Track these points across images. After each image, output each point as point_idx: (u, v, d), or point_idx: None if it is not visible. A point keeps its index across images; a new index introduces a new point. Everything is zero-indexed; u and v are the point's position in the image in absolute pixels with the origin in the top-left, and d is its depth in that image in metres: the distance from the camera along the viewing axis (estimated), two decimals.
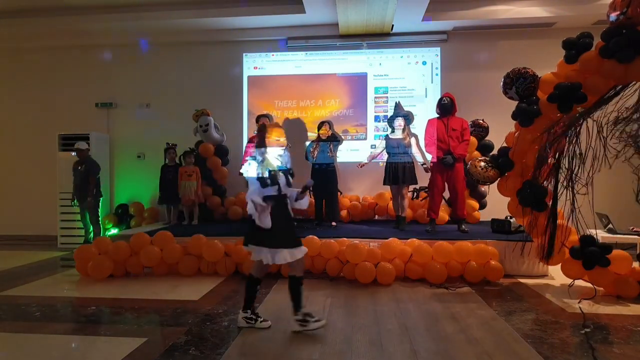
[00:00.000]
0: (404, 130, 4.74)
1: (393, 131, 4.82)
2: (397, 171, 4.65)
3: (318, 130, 5.04)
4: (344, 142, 5.57)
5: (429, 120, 4.70)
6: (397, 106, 4.94)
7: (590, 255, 3.26)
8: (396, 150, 4.69)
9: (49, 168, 6.17)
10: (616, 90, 3.08)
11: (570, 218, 3.29)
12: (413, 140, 4.76)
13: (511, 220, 4.27)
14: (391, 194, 4.97)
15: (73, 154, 5.84)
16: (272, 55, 6.33)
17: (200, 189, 5.42)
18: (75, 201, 5.44)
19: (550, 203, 3.45)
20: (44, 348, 2.39)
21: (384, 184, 4.85)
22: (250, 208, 2.49)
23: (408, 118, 4.83)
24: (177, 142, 5.72)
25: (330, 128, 5.05)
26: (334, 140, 5.05)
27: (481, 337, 2.47)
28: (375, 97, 6.18)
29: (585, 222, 3.27)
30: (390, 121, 4.88)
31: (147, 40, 6.13)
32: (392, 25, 5.79)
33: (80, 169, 5.38)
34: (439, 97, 5.26)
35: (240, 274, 4.00)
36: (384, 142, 4.86)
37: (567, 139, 3.32)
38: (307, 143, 5.13)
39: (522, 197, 3.51)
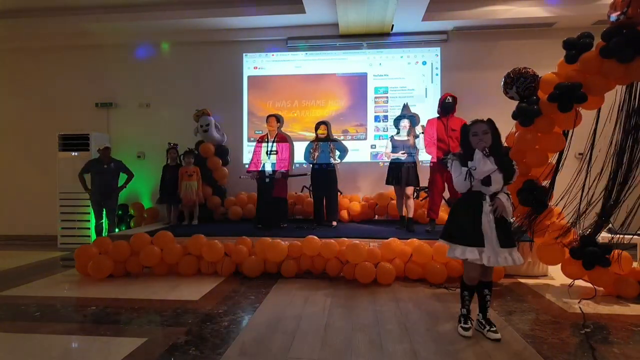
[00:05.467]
0: (409, 132, 4.74)
1: (398, 132, 4.81)
2: (401, 172, 4.64)
3: (316, 131, 5.04)
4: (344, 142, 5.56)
5: (429, 121, 4.70)
6: (405, 107, 4.91)
7: (590, 255, 3.26)
8: (400, 151, 4.68)
9: (49, 168, 6.17)
10: None
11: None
12: (419, 133, 4.75)
13: (511, 220, 4.26)
14: (395, 195, 4.96)
15: (74, 154, 5.87)
16: (272, 55, 6.33)
17: (201, 189, 5.42)
18: (92, 199, 5.45)
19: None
20: (44, 348, 2.39)
21: (387, 183, 4.84)
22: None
23: (414, 120, 4.82)
24: (178, 142, 5.72)
25: (328, 129, 5.02)
26: (333, 141, 5.04)
27: (481, 337, 2.47)
28: (375, 97, 6.18)
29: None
30: (396, 122, 4.86)
31: (146, 44, 6.13)
32: (392, 25, 5.79)
33: (106, 167, 5.38)
34: (439, 97, 5.27)
35: (240, 274, 4.00)
36: (389, 142, 4.84)
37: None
38: (306, 144, 5.12)
39: (522, 197, 3.52)
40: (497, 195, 2.38)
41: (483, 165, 2.34)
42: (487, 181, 2.36)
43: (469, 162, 2.39)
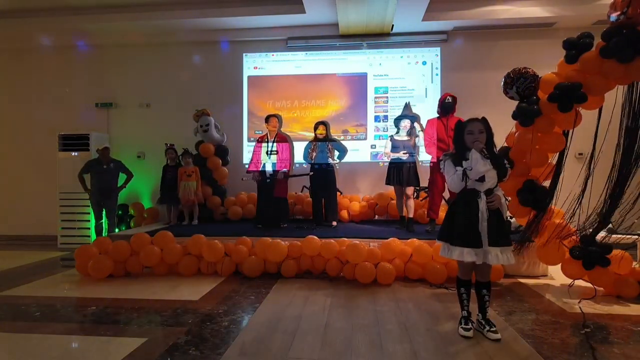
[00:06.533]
0: (409, 132, 4.73)
1: (398, 132, 4.80)
2: (401, 172, 4.64)
3: (315, 131, 5.04)
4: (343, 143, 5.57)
5: (429, 121, 4.69)
6: (406, 107, 4.88)
7: (590, 255, 3.26)
8: (400, 151, 4.67)
9: (49, 168, 6.17)
10: None
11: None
12: (419, 132, 4.73)
13: (511, 220, 4.27)
14: (395, 194, 4.95)
15: (74, 154, 5.87)
16: (272, 55, 6.33)
17: (200, 189, 5.42)
18: (92, 200, 5.45)
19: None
20: (44, 348, 2.39)
21: (387, 183, 4.84)
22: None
23: (414, 120, 4.81)
24: (178, 142, 5.72)
25: (326, 130, 5.03)
26: (332, 141, 5.05)
27: (481, 337, 2.47)
28: (375, 97, 6.18)
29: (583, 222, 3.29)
30: (397, 122, 4.85)
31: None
32: (392, 26, 5.79)
33: (106, 168, 5.38)
34: (439, 97, 5.26)
35: (240, 274, 4.01)
36: (389, 142, 4.83)
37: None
38: (305, 144, 5.12)
39: (522, 197, 3.52)
40: (495, 192, 2.40)
41: (482, 165, 2.35)
42: (481, 178, 2.37)
43: (464, 162, 2.39)
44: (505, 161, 2.46)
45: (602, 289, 3.37)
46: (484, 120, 2.46)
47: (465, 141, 2.44)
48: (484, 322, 2.50)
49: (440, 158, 2.59)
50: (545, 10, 5.35)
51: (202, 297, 3.34)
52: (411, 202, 4.73)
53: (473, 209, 2.38)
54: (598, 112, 3.36)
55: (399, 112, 5.02)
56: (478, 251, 2.36)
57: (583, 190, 3.30)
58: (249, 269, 3.91)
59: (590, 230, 3.35)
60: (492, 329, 2.44)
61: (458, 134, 2.49)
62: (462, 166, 2.39)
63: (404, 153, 4.62)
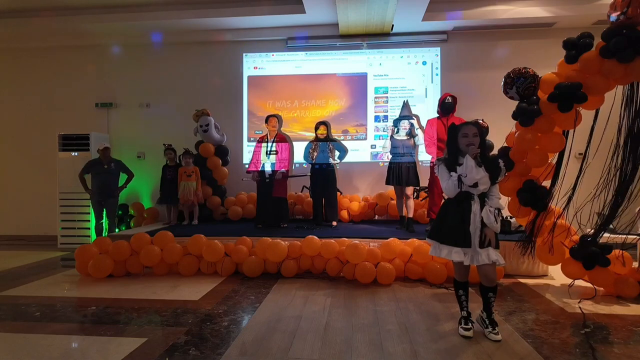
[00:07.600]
0: (408, 132, 4.73)
1: (398, 132, 4.80)
2: (401, 172, 4.63)
3: (316, 131, 5.04)
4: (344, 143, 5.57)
5: (429, 120, 4.70)
6: (405, 107, 4.85)
7: (590, 255, 3.26)
8: (400, 151, 4.67)
9: (49, 168, 6.17)
10: None
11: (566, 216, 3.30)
12: (419, 132, 4.74)
13: (511, 220, 4.27)
14: (395, 194, 4.95)
15: (74, 154, 5.87)
16: (272, 55, 6.33)
17: (200, 189, 5.42)
18: (92, 200, 5.44)
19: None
20: (44, 348, 2.39)
21: (387, 183, 4.83)
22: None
23: (412, 122, 4.80)
24: (178, 142, 5.72)
25: (327, 130, 5.03)
26: (332, 141, 5.05)
27: (481, 337, 2.47)
28: (375, 97, 6.18)
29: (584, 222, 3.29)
30: (396, 122, 4.85)
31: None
32: (392, 25, 5.79)
33: (106, 168, 5.38)
34: (439, 97, 5.26)
35: (240, 274, 4.01)
36: (388, 142, 4.83)
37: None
38: (306, 144, 5.12)
39: (522, 197, 3.52)
40: (485, 221, 2.38)
41: (476, 173, 2.37)
42: (475, 184, 2.40)
43: (458, 168, 2.41)
44: (501, 161, 2.48)
45: (602, 289, 3.37)
46: (477, 124, 2.48)
47: (460, 144, 2.45)
48: (487, 322, 2.50)
49: (435, 162, 2.60)
50: (545, 10, 5.35)
51: (202, 297, 3.34)
52: (411, 202, 4.73)
53: (465, 209, 2.41)
54: (594, 112, 3.36)
55: (398, 112, 5.02)
56: (467, 251, 2.40)
57: (573, 188, 3.32)
58: (249, 269, 3.91)
59: (592, 230, 3.35)
60: (494, 331, 2.44)
61: (452, 137, 2.50)
62: (456, 171, 2.42)
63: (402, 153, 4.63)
